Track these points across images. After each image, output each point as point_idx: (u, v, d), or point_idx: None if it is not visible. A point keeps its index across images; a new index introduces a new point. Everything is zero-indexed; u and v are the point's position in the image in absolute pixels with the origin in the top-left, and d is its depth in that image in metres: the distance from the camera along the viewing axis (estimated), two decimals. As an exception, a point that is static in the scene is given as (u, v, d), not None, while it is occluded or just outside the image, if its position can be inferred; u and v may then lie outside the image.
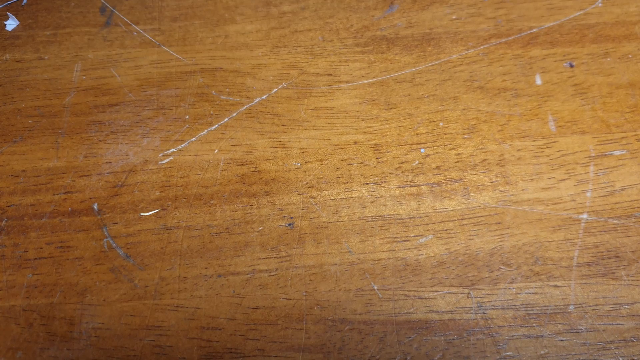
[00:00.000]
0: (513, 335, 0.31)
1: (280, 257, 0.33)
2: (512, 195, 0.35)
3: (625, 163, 0.35)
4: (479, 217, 0.34)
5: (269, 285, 0.33)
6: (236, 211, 0.35)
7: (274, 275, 0.33)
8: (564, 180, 0.35)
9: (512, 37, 0.40)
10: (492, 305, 0.32)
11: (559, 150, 0.36)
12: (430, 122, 0.37)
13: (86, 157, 0.36)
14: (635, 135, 0.36)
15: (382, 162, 0.36)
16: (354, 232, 0.34)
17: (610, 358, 0.30)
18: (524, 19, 0.40)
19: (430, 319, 0.32)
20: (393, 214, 0.34)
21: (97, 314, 0.32)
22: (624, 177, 0.35)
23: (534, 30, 0.40)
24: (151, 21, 0.41)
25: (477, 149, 0.36)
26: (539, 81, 0.38)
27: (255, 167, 0.36)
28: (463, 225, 0.34)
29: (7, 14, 0.42)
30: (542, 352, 0.31)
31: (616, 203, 0.34)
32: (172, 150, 0.37)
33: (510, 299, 0.32)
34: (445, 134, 0.37)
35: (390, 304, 0.32)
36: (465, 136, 0.36)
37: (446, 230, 0.34)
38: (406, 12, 0.41)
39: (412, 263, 0.33)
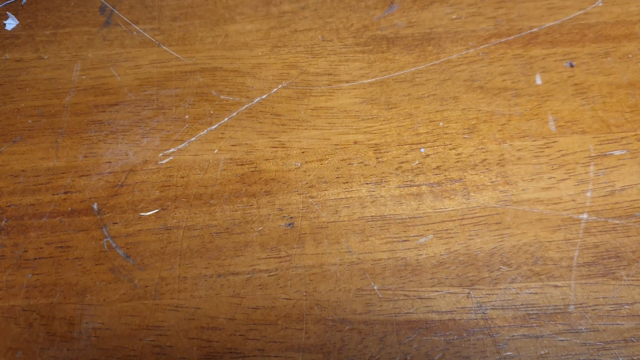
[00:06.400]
0: (513, 335, 0.31)
1: (280, 257, 0.33)
2: (512, 195, 0.35)
3: (626, 163, 0.35)
4: (479, 217, 0.34)
5: (269, 285, 0.33)
6: (236, 211, 0.35)
7: (274, 275, 0.33)
8: (564, 180, 0.35)
9: (512, 37, 0.40)
10: (492, 305, 0.32)
11: (559, 150, 0.36)
12: (430, 122, 0.37)
13: (86, 157, 0.36)
14: (635, 135, 0.36)
15: (382, 162, 0.36)
16: (354, 232, 0.34)
17: (610, 358, 0.30)
18: (524, 19, 0.40)
19: (430, 319, 0.32)
20: (393, 214, 0.34)
21: (97, 314, 0.32)
22: (624, 177, 0.35)
23: (534, 29, 0.40)
24: (151, 21, 0.41)
25: (477, 149, 0.36)
26: (539, 81, 0.38)
27: (255, 167, 0.36)
28: (463, 225, 0.34)
29: (6, 14, 0.42)
30: (542, 352, 0.31)
31: (616, 203, 0.34)
32: (172, 150, 0.36)
33: (510, 299, 0.32)
34: (445, 133, 0.37)
35: (390, 304, 0.32)
36: (465, 136, 0.36)
37: (446, 230, 0.34)
38: (406, 11, 0.41)
39: (412, 263, 0.33)
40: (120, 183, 0.35)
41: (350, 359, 0.31)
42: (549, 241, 0.33)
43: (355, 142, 0.36)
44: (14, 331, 0.32)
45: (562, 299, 0.32)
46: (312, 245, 0.34)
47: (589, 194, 0.34)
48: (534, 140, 0.36)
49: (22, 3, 0.43)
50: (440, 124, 0.37)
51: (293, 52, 0.40)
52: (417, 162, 0.36)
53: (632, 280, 0.32)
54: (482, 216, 0.34)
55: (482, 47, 0.39)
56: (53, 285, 0.33)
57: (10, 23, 0.42)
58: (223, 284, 0.33)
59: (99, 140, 0.37)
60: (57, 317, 0.32)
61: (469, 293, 0.32)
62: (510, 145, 0.36)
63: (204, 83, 0.39)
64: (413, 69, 0.39)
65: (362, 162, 0.36)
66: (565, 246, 0.33)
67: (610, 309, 0.32)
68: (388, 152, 0.36)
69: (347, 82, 0.39)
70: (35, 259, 0.34)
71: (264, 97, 0.38)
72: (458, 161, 0.36)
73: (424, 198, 0.35)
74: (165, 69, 0.39)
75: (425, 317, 0.32)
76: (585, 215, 0.34)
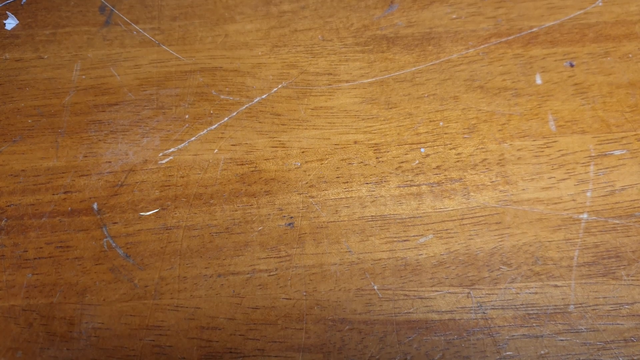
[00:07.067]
0: (513, 335, 0.31)
1: (280, 257, 0.33)
2: (512, 195, 0.35)
3: (626, 163, 0.35)
4: (479, 216, 0.34)
5: (269, 285, 0.33)
6: (236, 211, 0.35)
7: (273, 275, 0.33)
8: (564, 180, 0.35)
9: (512, 37, 0.40)
10: (492, 305, 0.32)
11: (559, 150, 0.36)
12: (430, 121, 0.37)
13: (86, 156, 0.36)
14: (635, 134, 0.36)
15: (382, 161, 0.36)
16: (354, 232, 0.34)
17: (610, 358, 0.30)
18: (524, 18, 0.40)
19: (430, 318, 0.32)
20: (393, 214, 0.34)
21: (97, 314, 0.32)
22: (624, 176, 0.35)
23: (534, 29, 0.40)
24: (151, 20, 0.41)
25: (477, 149, 0.36)
26: (539, 81, 0.38)
27: (255, 167, 0.36)
28: (463, 225, 0.34)
29: (6, 13, 0.42)
30: (542, 352, 0.31)
31: (616, 203, 0.34)
32: (172, 149, 0.36)
33: (510, 299, 0.32)
34: (445, 133, 0.36)
35: (390, 304, 0.32)
36: (465, 136, 0.36)
37: (446, 230, 0.34)
38: (406, 11, 0.41)
39: (412, 263, 0.33)
40: (120, 183, 0.35)
41: (350, 359, 0.31)
42: (549, 241, 0.33)
43: (355, 142, 0.36)
44: (14, 331, 0.32)
45: (562, 298, 0.32)
46: (312, 245, 0.34)
47: (589, 194, 0.34)
48: (534, 140, 0.36)
49: (22, 3, 0.43)
50: (440, 123, 0.37)
51: (293, 52, 0.40)
52: (417, 162, 0.36)
53: (632, 280, 0.32)
54: (482, 216, 0.34)
55: (482, 46, 0.39)
56: (53, 285, 0.33)
57: (10, 23, 0.42)
58: (223, 283, 0.33)
59: (99, 140, 0.37)
60: (57, 317, 0.32)
61: (469, 293, 0.32)
62: (510, 145, 0.36)
63: (204, 83, 0.39)
64: (413, 69, 0.39)
65: (362, 162, 0.36)
66: (565, 246, 0.33)
67: (610, 308, 0.32)
68: (388, 151, 0.36)
69: (347, 81, 0.39)
70: (35, 258, 0.34)
71: (264, 96, 0.38)
72: (458, 161, 0.36)
73: (424, 198, 0.35)
74: (165, 69, 0.39)
75: (425, 317, 0.32)
76: (585, 215, 0.34)
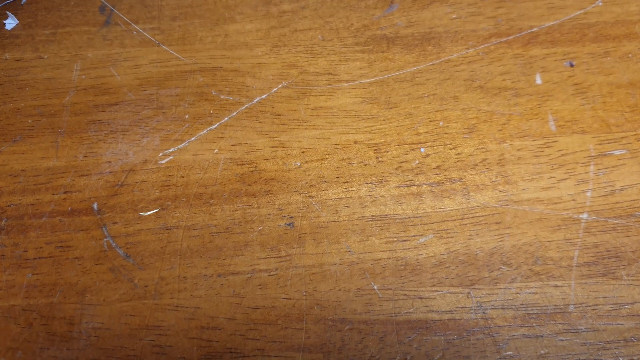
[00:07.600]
0: (513, 335, 0.31)
1: (280, 256, 0.33)
2: (512, 194, 0.35)
3: (626, 163, 0.35)
4: (479, 216, 0.34)
5: (269, 285, 0.33)
6: (236, 211, 0.35)
7: (273, 275, 0.33)
8: (564, 179, 0.35)
9: (512, 37, 0.40)
10: (492, 305, 0.32)
11: (559, 150, 0.36)
12: (430, 121, 0.37)
13: (86, 156, 0.36)
14: (635, 134, 0.36)
15: (382, 161, 0.36)
16: (354, 232, 0.34)
17: (610, 358, 0.30)
18: (524, 18, 0.40)
19: (430, 318, 0.32)
20: (393, 214, 0.34)
21: (97, 313, 0.32)
22: (624, 176, 0.35)
23: (534, 29, 0.40)
24: (151, 20, 0.41)
25: (477, 149, 0.36)
26: (539, 80, 0.38)
27: (255, 167, 0.36)
28: (463, 225, 0.34)
29: (6, 13, 0.42)
30: (542, 352, 0.31)
31: (616, 203, 0.34)
32: (172, 149, 0.36)
33: (510, 299, 0.32)
34: (445, 133, 0.36)
35: (390, 304, 0.32)
36: (465, 136, 0.36)
37: (446, 230, 0.34)
38: (406, 11, 0.41)
39: (412, 263, 0.33)
40: (120, 183, 0.35)
41: (350, 359, 0.31)
42: (549, 241, 0.33)
43: (355, 142, 0.36)
44: (14, 331, 0.32)
45: (562, 298, 0.32)
46: (312, 245, 0.34)
47: (589, 194, 0.34)
48: (534, 140, 0.36)
49: (22, 3, 0.43)
50: (440, 123, 0.37)
51: (293, 52, 0.40)
52: (417, 161, 0.36)
53: (632, 280, 0.32)
54: (482, 216, 0.34)
55: (482, 46, 0.39)
56: (53, 285, 0.33)
57: (10, 22, 0.42)
58: (223, 283, 0.33)
59: (99, 140, 0.37)
60: (57, 317, 0.32)
61: (469, 293, 0.32)
62: (510, 145, 0.36)
63: (204, 83, 0.39)
64: (413, 69, 0.39)
65: (362, 162, 0.36)
66: (565, 246, 0.33)
67: (610, 308, 0.32)
68: (388, 151, 0.36)
69: (347, 81, 0.39)
70: (35, 258, 0.34)
71: (264, 96, 0.38)
72: (458, 161, 0.36)
73: (424, 198, 0.35)
74: (165, 69, 0.39)
75: (425, 316, 0.32)
76: (585, 215, 0.34)
